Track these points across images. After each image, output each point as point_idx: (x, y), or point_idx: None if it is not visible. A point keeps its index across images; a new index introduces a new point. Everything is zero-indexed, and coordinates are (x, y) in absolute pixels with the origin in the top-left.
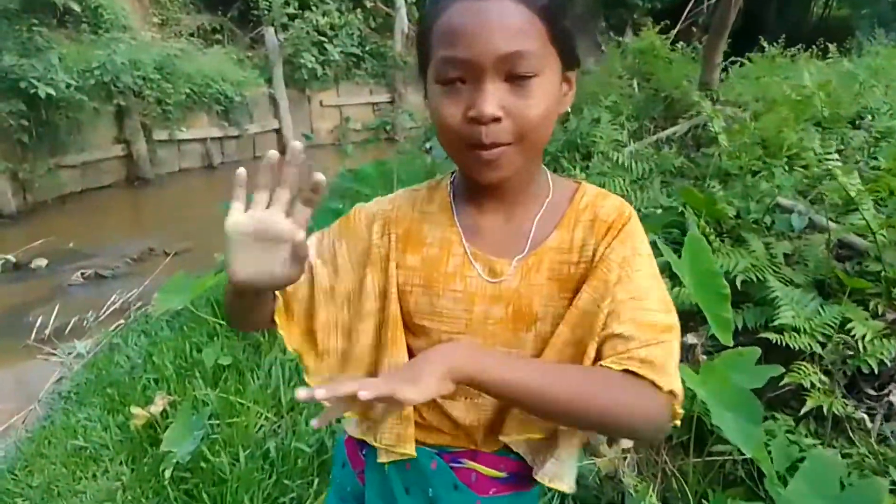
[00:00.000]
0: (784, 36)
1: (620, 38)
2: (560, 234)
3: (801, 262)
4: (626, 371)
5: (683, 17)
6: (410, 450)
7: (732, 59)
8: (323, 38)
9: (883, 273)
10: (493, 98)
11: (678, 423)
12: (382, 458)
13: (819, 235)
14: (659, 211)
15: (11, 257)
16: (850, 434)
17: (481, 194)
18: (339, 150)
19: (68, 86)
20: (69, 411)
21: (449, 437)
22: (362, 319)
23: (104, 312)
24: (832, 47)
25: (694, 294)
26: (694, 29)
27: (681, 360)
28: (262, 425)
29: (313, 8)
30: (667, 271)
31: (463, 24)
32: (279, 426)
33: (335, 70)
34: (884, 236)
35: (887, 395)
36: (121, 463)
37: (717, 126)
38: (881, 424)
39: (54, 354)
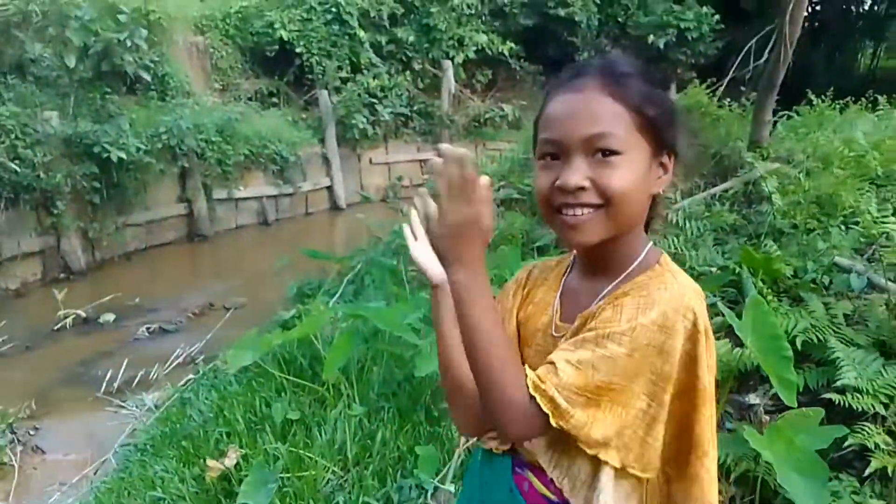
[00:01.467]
0: (832, 88)
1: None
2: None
3: (861, 323)
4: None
5: (730, 73)
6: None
7: (781, 112)
8: (373, 100)
9: None
10: (579, 171)
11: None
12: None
13: (879, 295)
14: (714, 269)
15: (82, 312)
16: None
17: (582, 262)
18: (389, 207)
19: (137, 149)
20: (145, 463)
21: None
22: None
23: (169, 365)
24: (882, 99)
25: (757, 356)
26: (742, 88)
27: (743, 420)
28: (328, 479)
29: (364, 71)
30: (723, 332)
31: (558, 111)
32: (345, 480)
33: (384, 129)
34: None
35: None
36: None
37: (771, 185)
38: None
39: (123, 406)
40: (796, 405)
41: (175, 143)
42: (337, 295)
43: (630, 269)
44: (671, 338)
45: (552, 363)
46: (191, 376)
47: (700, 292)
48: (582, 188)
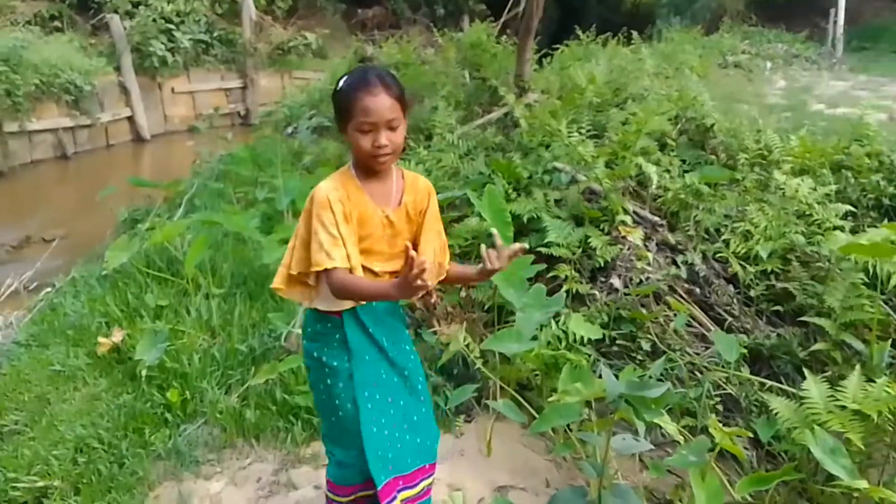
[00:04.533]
0: (597, 24)
1: (454, 33)
2: (408, 196)
3: (566, 204)
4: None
5: (504, 16)
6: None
7: (555, 46)
8: (170, 25)
9: (609, 207)
10: (384, 136)
11: None
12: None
13: (578, 186)
14: (479, 174)
15: None
16: (588, 303)
17: (370, 175)
18: (196, 136)
19: None
20: (35, 352)
21: None
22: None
23: (4, 293)
24: (636, 35)
25: (490, 223)
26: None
27: None
28: (201, 343)
29: None
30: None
31: (372, 106)
32: (215, 341)
33: (185, 57)
34: (608, 183)
35: (609, 280)
36: (96, 377)
37: (519, 113)
38: (606, 296)
39: None
40: None
41: None
42: (176, 216)
43: (393, 174)
44: None
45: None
46: (46, 290)
47: None
48: (386, 145)
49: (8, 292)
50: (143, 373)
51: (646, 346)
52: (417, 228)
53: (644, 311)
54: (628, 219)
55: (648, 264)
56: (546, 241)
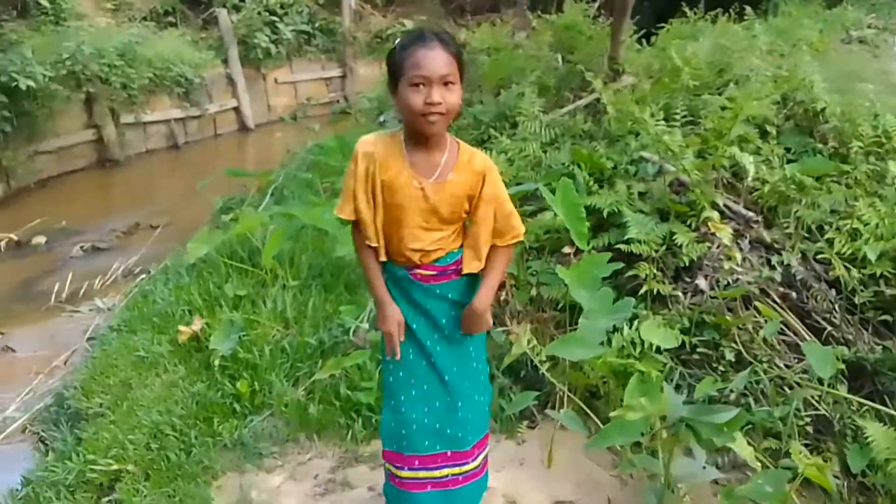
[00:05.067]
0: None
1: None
2: (456, 174)
3: (651, 198)
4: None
5: None
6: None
7: (661, 25)
8: (274, 18)
9: (697, 200)
10: (437, 93)
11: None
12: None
13: (664, 178)
14: (560, 165)
15: (14, 235)
16: (670, 305)
17: (420, 142)
18: (298, 126)
19: (44, 77)
20: (124, 338)
21: (409, 260)
22: (367, 203)
23: (110, 277)
24: (750, 10)
25: (563, 218)
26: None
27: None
28: (276, 334)
29: None
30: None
31: (424, 60)
32: (288, 333)
33: (287, 48)
34: (697, 175)
35: (694, 280)
36: (176, 364)
37: (605, 98)
38: (690, 298)
39: (78, 311)
40: (587, 248)
41: (79, 69)
42: (261, 206)
43: (447, 147)
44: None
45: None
46: (142, 277)
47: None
48: (439, 103)
49: (113, 277)
50: (217, 362)
51: (729, 355)
52: (472, 210)
53: (731, 315)
54: (714, 214)
55: (739, 264)
56: (626, 237)
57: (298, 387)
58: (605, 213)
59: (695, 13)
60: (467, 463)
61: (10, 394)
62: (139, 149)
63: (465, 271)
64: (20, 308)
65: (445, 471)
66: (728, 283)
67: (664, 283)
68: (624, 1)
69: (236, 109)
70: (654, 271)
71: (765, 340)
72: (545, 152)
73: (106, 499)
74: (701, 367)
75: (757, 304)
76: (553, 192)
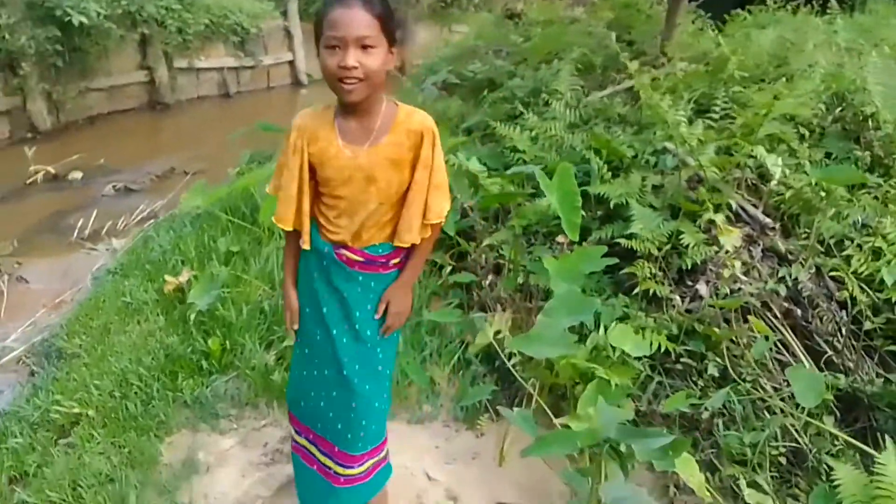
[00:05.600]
0: None
1: None
2: (391, 136)
3: (664, 192)
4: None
5: None
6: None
7: (735, 11)
8: None
9: (711, 199)
10: (353, 56)
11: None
12: (305, 247)
13: (686, 171)
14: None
15: (52, 169)
16: (665, 308)
17: (347, 110)
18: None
19: (98, 14)
20: (117, 282)
21: (336, 238)
22: (293, 179)
23: (135, 218)
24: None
25: (555, 206)
26: None
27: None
28: (260, 295)
29: None
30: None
31: (340, 18)
32: (272, 295)
33: None
34: (714, 172)
35: (695, 285)
36: (157, 314)
37: (638, 83)
38: (688, 303)
39: (94, 249)
40: (577, 240)
41: (135, 9)
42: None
43: (382, 111)
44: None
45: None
46: (151, 222)
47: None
48: (355, 67)
49: (136, 219)
50: (193, 317)
51: (713, 369)
52: (410, 177)
53: (726, 327)
54: (719, 217)
55: (744, 272)
56: (629, 231)
57: (270, 352)
58: (611, 205)
59: (775, 2)
60: (352, 467)
61: (15, 323)
62: (190, 94)
63: (396, 243)
64: (44, 240)
65: (329, 462)
66: (729, 291)
67: (663, 284)
68: None
69: (291, 63)
70: (655, 271)
71: (755, 359)
72: (573, 133)
73: (63, 441)
74: (683, 379)
75: (751, 318)
76: (552, 176)
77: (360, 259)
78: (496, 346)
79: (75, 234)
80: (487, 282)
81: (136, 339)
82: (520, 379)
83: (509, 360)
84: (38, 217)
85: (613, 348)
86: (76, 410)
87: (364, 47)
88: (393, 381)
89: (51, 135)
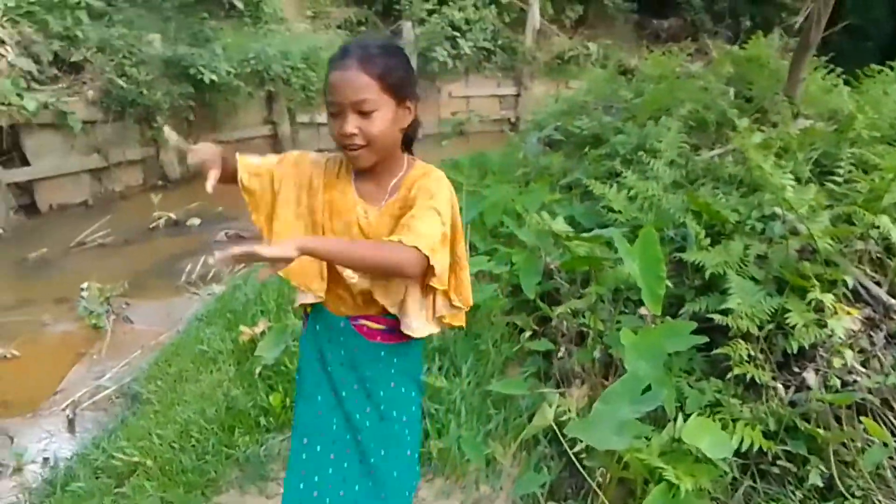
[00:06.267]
0: None
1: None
2: (399, 194)
3: (769, 263)
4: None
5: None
6: (320, 291)
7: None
8: (456, 33)
9: (825, 274)
10: (350, 123)
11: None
12: (310, 300)
13: (790, 242)
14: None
15: (173, 215)
16: (765, 398)
17: (363, 172)
18: (463, 139)
19: (228, 73)
20: (199, 328)
21: (351, 308)
22: (298, 217)
23: (238, 266)
24: None
25: (637, 274)
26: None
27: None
28: None
29: (451, 3)
30: None
31: (335, 82)
32: None
33: (466, 63)
34: (829, 244)
35: (801, 373)
36: (230, 364)
37: (742, 142)
38: (792, 394)
39: (197, 293)
40: (660, 313)
41: (263, 68)
42: None
43: (400, 173)
44: (453, 193)
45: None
46: (241, 269)
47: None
48: (354, 134)
49: (241, 266)
50: (258, 370)
51: (816, 478)
52: None
53: (839, 427)
54: (834, 296)
55: (865, 363)
56: (724, 306)
57: None
58: (706, 275)
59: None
60: None
61: (113, 362)
62: (311, 147)
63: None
64: (154, 282)
65: None
66: (843, 384)
67: (763, 368)
68: (808, 36)
69: None
70: (755, 353)
71: (868, 469)
72: (674, 194)
73: (118, 489)
74: (780, 486)
75: (866, 419)
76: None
77: (382, 327)
78: (557, 429)
79: (183, 277)
80: (566, 351)
81: (204, 389)
82: (581, 470)
83: (574, 445)
84: (154, 260)
85: None
86: (136, 459)
87: (363, 112)
88: (450, 456)
89: (179, 183)
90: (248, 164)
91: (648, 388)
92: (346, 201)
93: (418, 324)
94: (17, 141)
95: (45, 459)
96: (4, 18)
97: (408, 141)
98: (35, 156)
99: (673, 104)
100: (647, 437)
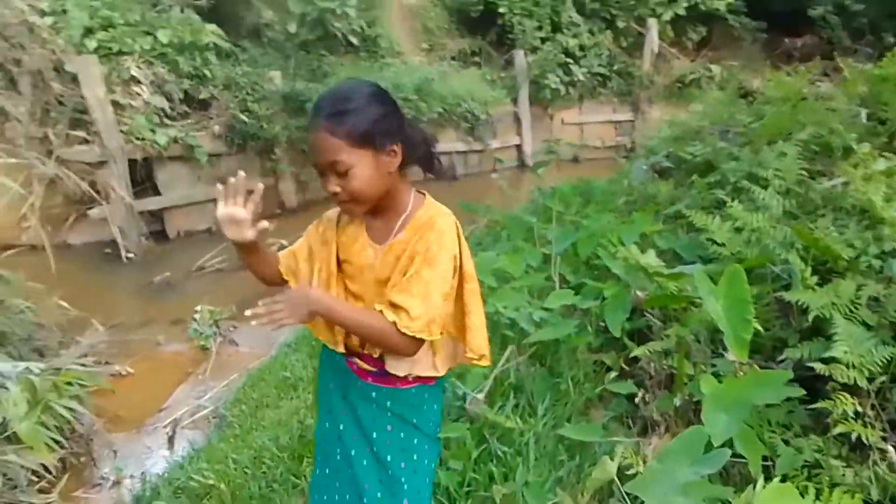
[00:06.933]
0: None
1: (869, 64)
2: (404, 234)
3: (883, 307)
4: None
5: None
6: (340, 349)
7: None
8: (569, 60)
9: None
10: (331, 183)
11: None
12: (332, 347)
13: None
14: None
15: (285, 242)
16: (873, 461)
17: (368, 215)
18: (578, 166)
19: None
20: (287, 355)
21: (343, 344)
22: (319, 272)
23: None
24: None
25: (720, 315)
26: None
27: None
28: None
29: (565, 30)
30: None
31: (310, 144)
32: None
33: (580, 89)
34: None
35: None
36: (308, 392)
37: (853, 173)
38: None
39: None
40: (745, 360)
41: None
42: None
43: (406, 210)
44: (455, 245)
45: (402, 308)
46: None
47: (450, 212)
48: (336, 193)
49: None
50: None
51: None
52: None
53: None
54: None
55: None
56: (829, 354)
57: None
58: (810, 318)
59: None
60: None
61: (215, 382)
62: (418, 177)
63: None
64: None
65: None
66: None
67: (873, 427)
68: None
69: (518, 147)
70: (863, 409)
71: None
72: (786, 226)
73: None
74: None
75: None
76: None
77: (373, 370)
78: (618, 485)
79: None
80: (648, 396)
81: (282, 416)
82: None
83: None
84: (263, 285)
85: None
86: (211, 482)
87: (338, 173)
88: None
89: (295, 211)
90: (283, 255)
91: (729, 443)
92: (359, 242)
93: (400, 364)
94: (150, 172)
95: (142, 474)
96: (141, 60)
97: (425, 165)
98: (166, 186)
99: (795, 128)
100: (724, 502)
